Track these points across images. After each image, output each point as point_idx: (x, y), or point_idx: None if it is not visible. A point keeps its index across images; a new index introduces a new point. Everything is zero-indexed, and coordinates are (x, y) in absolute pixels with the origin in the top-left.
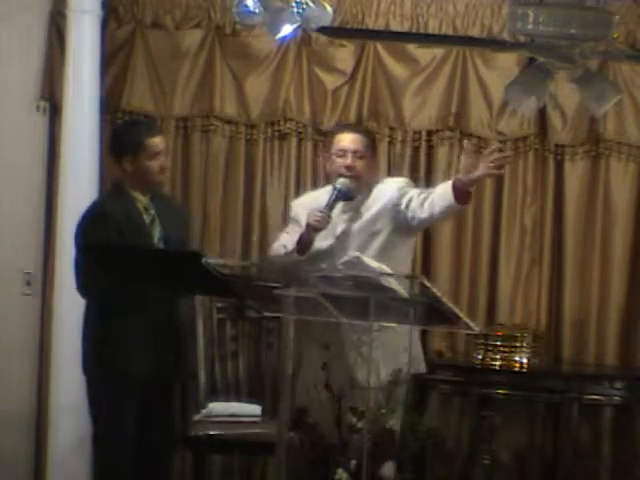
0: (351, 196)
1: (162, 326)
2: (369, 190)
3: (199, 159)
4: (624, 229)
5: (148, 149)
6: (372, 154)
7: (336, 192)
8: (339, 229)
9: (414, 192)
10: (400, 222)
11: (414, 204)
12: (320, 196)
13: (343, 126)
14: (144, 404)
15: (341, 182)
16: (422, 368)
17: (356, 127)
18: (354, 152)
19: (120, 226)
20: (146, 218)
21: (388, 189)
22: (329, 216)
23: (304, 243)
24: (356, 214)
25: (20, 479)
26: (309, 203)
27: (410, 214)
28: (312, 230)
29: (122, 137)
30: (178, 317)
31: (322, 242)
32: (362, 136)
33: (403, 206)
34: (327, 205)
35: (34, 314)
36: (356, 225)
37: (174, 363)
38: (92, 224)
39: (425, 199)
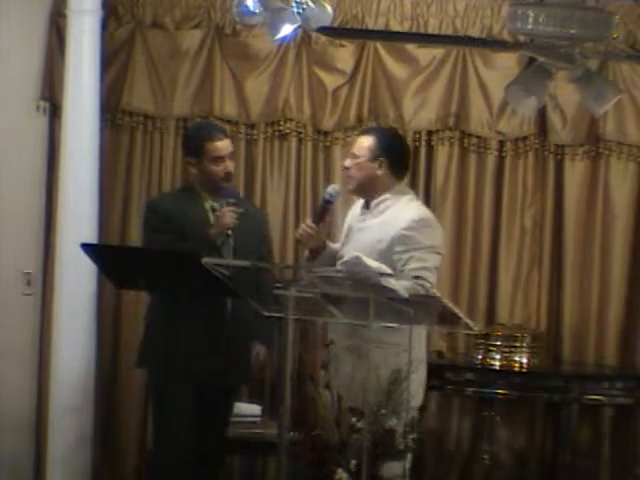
0: (365, 201)
1: (219, 326)
2: (387, 197)
3: None
4: (624, 229)
5: (210, 153)
6: (374, 155)
7: (322, 203)
8: (352, 244)
9: (412, 259)
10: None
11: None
12: None
13: (360, 130)
14: (199, 404)
15: (327, 192)
16: (419, 400)
17: (370, 129)
18: (352, 154)
19: (180, 223)
20: (211, 218)
21: (398, 222)
22: (313, 228)
23: (311, 252)
24: (367, 229)
25: (20, 479)
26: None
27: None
28: (300, 244)
29: (187, 140)
30: (231, 321)
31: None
32: (368, 137)
33: (395, 258)
34: (314, 218)
35: (34, 314)
36: (363, 244)
37: (231, 364)
38: (148, 217)
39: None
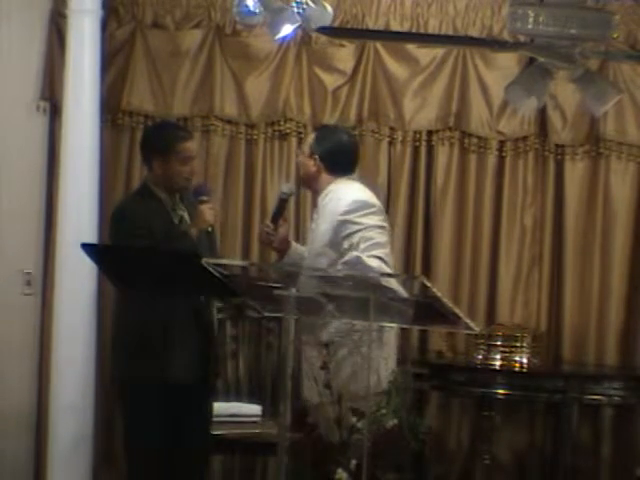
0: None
1: (196, 329)
2: (327, 191)
3: (199, 159)
4: (624, 229)
5: (181, 154)
6: (311, 152)
7: (278, 201)
8: (309, 244)
9: (361, 240)
10: (341, 252)
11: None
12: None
13: None
14: (178, 408)
15: (282, 188)
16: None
17: (318, 127)
18: (300, 151)
19: (150, 226)
20: (174, 218)
21: (337, 208)
22: (268, 226)
23: (277, 252)
24: (315, 225)
25: (20, 479)
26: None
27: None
28: (263, 244)
29: (155, 139)
30: (209, 319)
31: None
32: (311, 135)
33: (345, 246)
34: (272, 217)
35: (34, 314)
36: (309, 241)
37: (206, 365)
38: (123, 225)
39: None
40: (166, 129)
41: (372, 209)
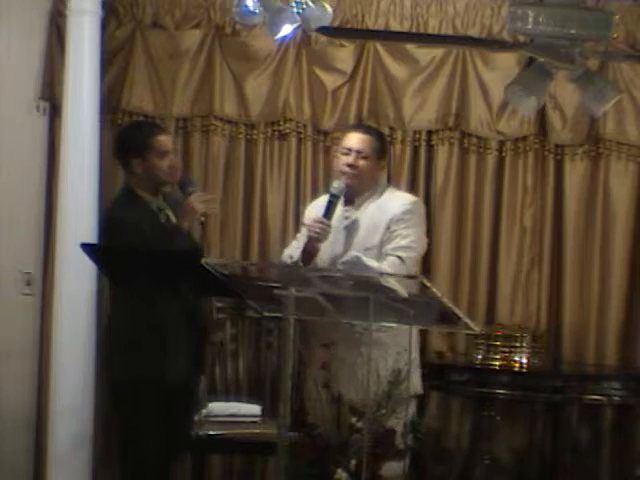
0: (348, 197)
1: (188, 330)
2: (373, 193)
3: (199, 159)
4: (624, 229)
5: (156, 148)
6: (379, 157)
7: (331, 198)
8: (340, 241)
9: (398, 237)
10: None
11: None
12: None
13: (355, 125)
14: (168, 408)
15: (335, 187)
16: (419, 389)
17: (368, 128)
18: (358, 152)
19: (140, 229)
20: (161, 217)
21: (392, 208)
22: (329, 225)
23: (309, 254)
24: (355, 223)
25: (20, 479)
26: (319, 208)
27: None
28: (315, 241)
29: (129, 139)
30: (200, 318)
31: (324, 252)
32: (371, 137)
33: (384, 238)
34: (325, 214)
35: (34, 314)
36: (354, 239)
37: (195, 365)
38: (115, 231)
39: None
40: (137, 127)
41: (422, 211)
